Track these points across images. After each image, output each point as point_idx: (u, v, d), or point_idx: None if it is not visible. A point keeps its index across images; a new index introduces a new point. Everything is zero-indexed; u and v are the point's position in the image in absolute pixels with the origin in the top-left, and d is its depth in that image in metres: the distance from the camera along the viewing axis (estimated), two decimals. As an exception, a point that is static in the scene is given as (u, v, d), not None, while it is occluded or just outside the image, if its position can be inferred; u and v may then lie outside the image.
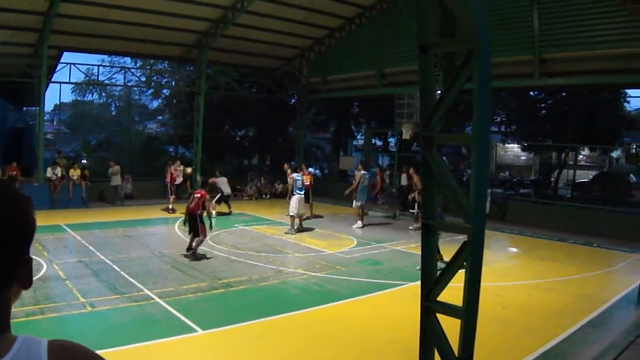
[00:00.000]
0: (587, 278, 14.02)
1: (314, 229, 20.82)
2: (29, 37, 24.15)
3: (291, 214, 20.04)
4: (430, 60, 5.41)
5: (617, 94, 31.16)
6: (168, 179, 24.75)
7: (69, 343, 1.58)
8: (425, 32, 5.32)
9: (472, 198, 4.96)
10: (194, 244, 15.24)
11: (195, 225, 15.27)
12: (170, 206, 24.33)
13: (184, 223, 15.97)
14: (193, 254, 15.11)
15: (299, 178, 20.59)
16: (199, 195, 15.61)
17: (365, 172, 22.01)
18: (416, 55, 5.45)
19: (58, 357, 1.51)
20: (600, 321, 10.60)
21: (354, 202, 21.93)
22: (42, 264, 13.39)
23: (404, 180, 26.89)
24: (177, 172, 24.89)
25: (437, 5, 5.48)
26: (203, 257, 15.22)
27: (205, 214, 15.25)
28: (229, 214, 23.78)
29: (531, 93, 32.89)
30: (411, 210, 20.79)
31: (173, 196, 24.63)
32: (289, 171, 22.51)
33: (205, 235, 15.30)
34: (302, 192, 20.33)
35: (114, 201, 26.49)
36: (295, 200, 19.97)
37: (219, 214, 23.04)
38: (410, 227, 21.15)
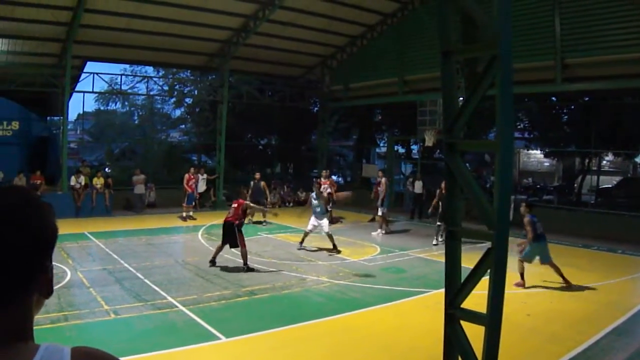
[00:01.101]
0: (611, 285, 13.89)
1: (336, 237, 20.81)
2: (53, 48, 24.47)
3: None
4: (453, 67, 5.41)
5: (640, 99, 30.93)
6: (186, 187, 24.79)
7: (93, 350, 1.57)
8: (447, 39, 5.32)
9: (496, 205, 4.95)
10: (242, 256, 14.95)
11: (231, 235, 14.94)
12: (184, 214, 24.51)
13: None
14: (244, 266, 14.81)
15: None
16: (235, 205, 15.47)
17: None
18: (438, 62, 5.45)
19: None
20: (625, 329, 10.49)
21: (380, 210, 21.97)
22: (67, 271, 13.49)
23: (418, 188, 26.82)
24: (193, 180, 24.86)
25: (459, 12, 5.48)
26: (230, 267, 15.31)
27: (247, 218, 15.40)
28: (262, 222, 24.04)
29: (553, 98, 32.68)
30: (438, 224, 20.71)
31: (188, 205, 24.79)
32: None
33: (244, 246, 14.99)
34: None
35: (137, 209, 26.67)
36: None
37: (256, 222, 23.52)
38: (434, 243, 20.83)
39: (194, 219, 24.23)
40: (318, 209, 17.98)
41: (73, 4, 21.54)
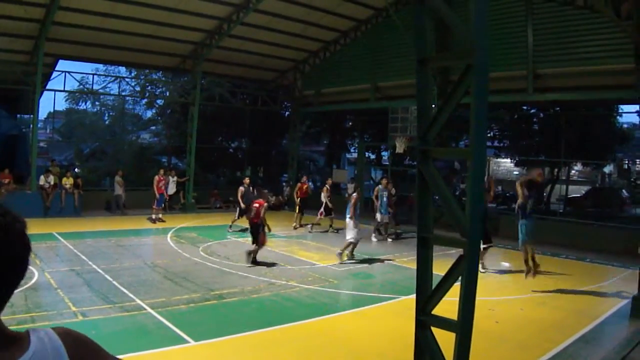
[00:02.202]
0: (579, 293, 14.03)
1: (306, 241, 20.83)
2: (25, 45, 24.18)
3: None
4: (429, 75, 5.45)
5: (610, 110, 31.31)
6: (155, 189, 24.60)
7: (70, 330, 1.78)
8: (423, 47, 5.35)
9: (468, 212, 4.97)
10: (252, 251, 16.23)
11: (256, 234, 16.33)
12: (154, 216, 24.34)
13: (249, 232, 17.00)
14: (253, 261, 16.10)
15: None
16: (257, 205, 16.67)
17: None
18: (410, 69, 5.49)
19: (69, 345, 1.69)
20: (592, 336, 10.61)
21: (379, 216, 22.13)
22: (34, 272, 13.32)
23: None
24: (162, 182, 24.70)
25: (435, 20, 5.50)
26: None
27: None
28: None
29: (525, 108, 32.97)
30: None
31: (157, 207, 24.60)
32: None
33: (260, 244, 16.35)
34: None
35: (115, 210, 26.60)
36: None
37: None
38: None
39: (163, 221, 24.09)
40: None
41: (46, 1, 21.33)
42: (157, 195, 24.46)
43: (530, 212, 13.81)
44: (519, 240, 13.78)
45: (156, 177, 24.77)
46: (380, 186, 22.48)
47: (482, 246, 13.69)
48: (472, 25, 4.80)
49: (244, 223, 20.59)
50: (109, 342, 8.90)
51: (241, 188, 22.92)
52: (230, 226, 22.89)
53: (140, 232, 22.00)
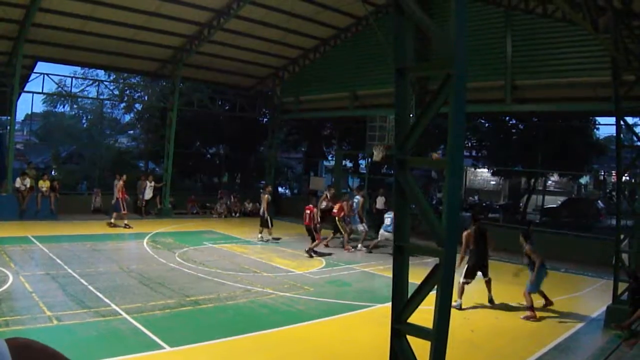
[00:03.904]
0: (554, 303, 14.12)
1: (282, 249, 20.83)
2: (3, 45, 24.02)
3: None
4: (407, 84, 5.46)
5: (587, 121, 31.60)
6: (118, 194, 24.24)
7: (30, 341, 1.52)
8: (402, 56, 5.37)
9: (444, 222, 4.99)
10: (311, 247, 19.81)
11: (311, 234, 20.24)
12: (112, 220, 24.05)
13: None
14: (310, 252, 19.61)
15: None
16: (308, 211, 20.48)
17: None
18: (389, 78, 5.51)
19: (23, 357, 1.48)
20: (567, 345, 10.69)
21: (359, 226, 22.30)
22: (8, 275, 13.23)
23: (379, 204, 26.84)
24: (119, 187, 24.24)
25: (414, 30, 5.54)
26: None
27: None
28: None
29: (503, 118, 33.19)
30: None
31: (117, 212, 24.19)
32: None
33: (318, 240, 20.28)
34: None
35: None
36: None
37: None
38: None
39: (127, 226, 23.91)
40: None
41: (27, 2, 21.19)
42: (115, 200, 24.27)
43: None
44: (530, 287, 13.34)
45: (120, 183, 24.48)
46: (357, 196, 22.68)
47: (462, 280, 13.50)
48: (452, 35, 4.83)
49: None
50: (84, 347, 8.89)
51: (267, 196, 22.53)
52: (269, 239, 22.77)
53: (116, 237, 21.84)
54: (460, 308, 13.21)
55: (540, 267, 12.87)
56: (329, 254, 19.96)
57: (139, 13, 23.36)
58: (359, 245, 22.01)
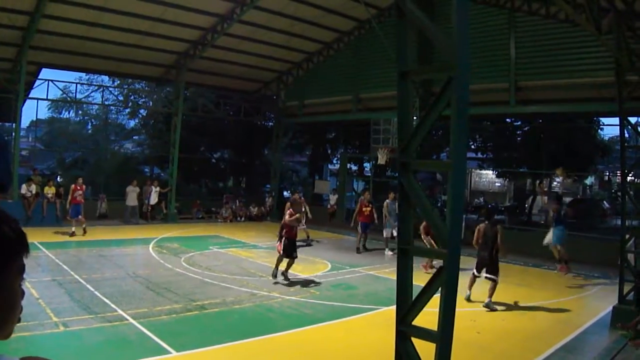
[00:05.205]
0: (561, 303, 14.10)
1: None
2: (7, 52, 24.08)
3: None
4: (410, 87, 5.47)
5: (592, 122, 31.55)
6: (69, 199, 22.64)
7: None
8: (405, 60, 5.38)
9: (448, 224, 5.00)
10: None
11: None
12: (74, 228, 22.47)
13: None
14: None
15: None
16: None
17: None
18: (393, 81, 5.51)
19: None
20: (574, 346, 10.67)
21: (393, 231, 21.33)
22: (15, 282, 13.22)
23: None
24: (79, 191, 22.50)
25: (417, 33, 5.55)
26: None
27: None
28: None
29: (507, 120, 33.16)
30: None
31: (71, 218, 22.70)
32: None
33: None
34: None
35: (128, 220, 26.93)
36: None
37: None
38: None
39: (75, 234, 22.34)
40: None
41: (31, 8, 21.29)
42: (70, 205, 22.60)
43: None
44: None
45: (72, 186, 22.81)
46: (388, 200, 21.92)
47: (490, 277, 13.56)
48: (454, 38, 4.83)
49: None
50: (91, 353, 8.91)
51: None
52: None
53: (122, 243, 21.81)
54: (468, 300, 13.35)
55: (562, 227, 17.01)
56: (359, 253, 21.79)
57: (143, 19, 23.46)
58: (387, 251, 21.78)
